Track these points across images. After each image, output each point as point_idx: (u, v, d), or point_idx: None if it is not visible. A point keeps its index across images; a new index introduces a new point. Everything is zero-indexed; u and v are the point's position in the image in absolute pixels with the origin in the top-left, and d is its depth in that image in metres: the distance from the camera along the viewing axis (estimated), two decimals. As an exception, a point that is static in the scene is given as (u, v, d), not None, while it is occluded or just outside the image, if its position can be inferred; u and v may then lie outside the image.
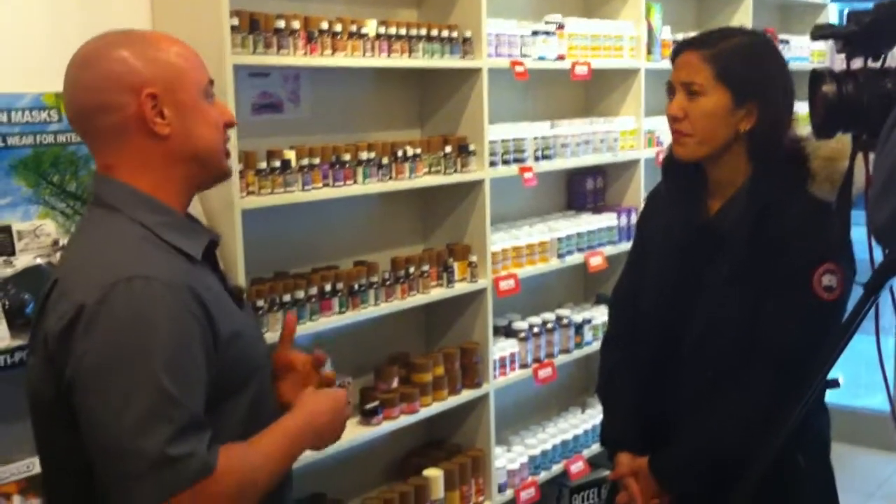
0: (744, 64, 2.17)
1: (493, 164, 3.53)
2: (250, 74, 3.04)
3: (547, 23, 3.77)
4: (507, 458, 3.70)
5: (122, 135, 1.64)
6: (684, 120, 2.19)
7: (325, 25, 2.94)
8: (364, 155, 3.08)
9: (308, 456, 2.89)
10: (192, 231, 1.70)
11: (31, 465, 2.25)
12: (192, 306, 1.57)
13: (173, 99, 1.65)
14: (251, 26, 2.75)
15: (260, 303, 2.81)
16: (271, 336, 2.81)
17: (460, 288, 3.46)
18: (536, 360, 3.79)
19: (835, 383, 2.04)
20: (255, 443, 1.64)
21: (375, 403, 3.19)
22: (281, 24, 2.82)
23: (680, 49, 2.25)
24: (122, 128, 1.64)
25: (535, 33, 3.67)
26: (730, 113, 2.16)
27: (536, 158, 3.73)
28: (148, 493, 1.48)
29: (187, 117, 1.67)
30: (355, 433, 3.15)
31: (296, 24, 2.86)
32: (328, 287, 3.00)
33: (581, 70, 3.83)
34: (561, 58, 3.79)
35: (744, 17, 4.74)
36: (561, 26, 3.79)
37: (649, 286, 2.36)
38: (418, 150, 3.27)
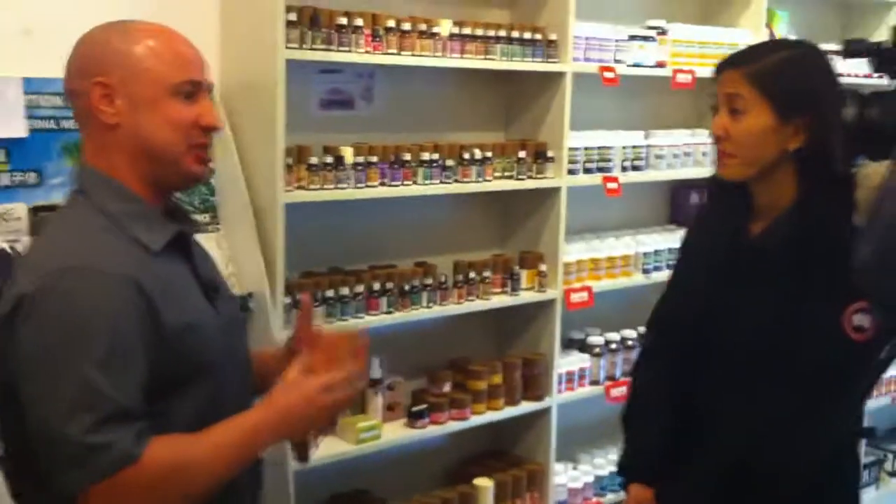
0: (789, 79, 2.05)
1: (573, 171, 3.46)
2: (321, 70, 3.09)
3: (648, 27, 3.65)
4: (569, 476, 3.64)
5: (87, 120, 1.71)
6: (727, 139, 2.09)
7: (391, 23, 2.94)
8: (427, 156, 3.08)
9: (348, 451, 2.98)
10: (156, 221, 1.72)
11: None
12: (132, 297, 1.59)
13: (127, 91, 1.67)
14: (311, 22, 2.79)
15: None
16: (313, 331, 2.87)
17: (526, 297, 3.42)
18: (610, 377, 3.69)
19: (870, 432, 1.92)
20: (203, 434, 1.65)
21: (422, 406, 3.19)
22: (343, 20, 2.84)
23: (722, 66, 2.14)
24: (86, 113, 1.70)
25: (632, 38, 3.56)
26: (775, 131, 2.04)
27: (625, 169, 3.62)
28: (70, 479, 1.54)
29: (140, 111, 1.68)
30: (399, 434, 3.17)
31: (359, 21, 2.88)
32: (377, 286, 3.02)
33: (684, 78, 3.69)
34: (661, 65, 3.66)
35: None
36: (663, 32, 3.66)
37: (688, 308, 2.27)
38: (489, 154, 3.24)
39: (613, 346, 3.70)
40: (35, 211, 2.50)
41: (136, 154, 1.70)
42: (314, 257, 3.11)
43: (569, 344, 3.73)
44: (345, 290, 2.96)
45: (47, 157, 2.56)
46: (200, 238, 2.69)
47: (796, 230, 2.05)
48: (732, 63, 2.11)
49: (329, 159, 2.88)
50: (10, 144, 2.50)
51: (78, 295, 1.56)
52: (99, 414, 1.53)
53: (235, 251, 2.81)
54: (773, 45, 2.13)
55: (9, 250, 2.38)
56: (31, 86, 2.50)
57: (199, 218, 2.80)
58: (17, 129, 2.51)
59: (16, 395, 1.61)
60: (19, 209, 2.50)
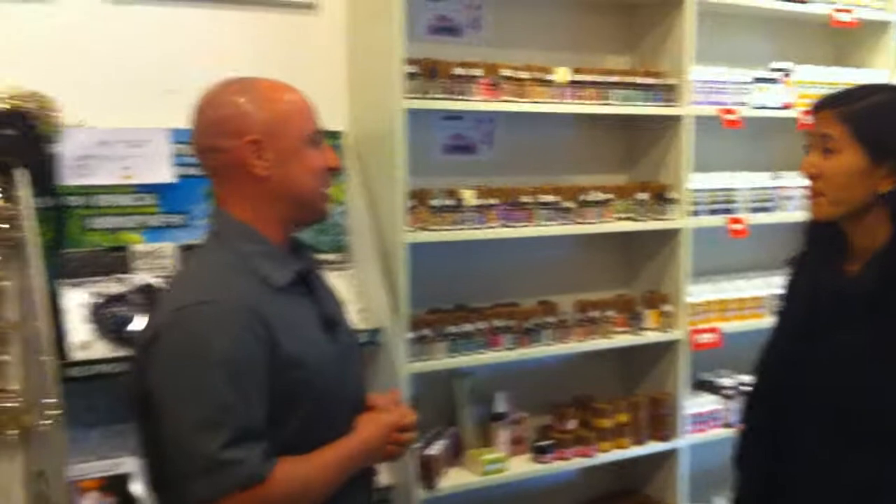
0: (882, 122, 2.08)
1: (695, 213, 3.52)
2: (443, 118, 3.30)
3: (773, 69, 3.70)
4: (700, 518, 3.63)
5: (229, 173, 1.92)
6: (818, 179, 2.13)
7: (508, 72, 3.13)
8: (545, 198, 3.22)
9: (474, 482, 3.10)
10: (282, 261, 1.93)
11: (115, 466, 2.59)
12: (255, 328, 1.78)
13: (275, 145, 1.89)
14: (430, 73, 3.00)
15: (426, 332, 3.02)
16: (435, 363, 3.04)
17: (650, 337, 3.48)
18: (743, 420, 3.67)
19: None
20: (313, 457, 1.85)
21: (548, 442, 3.29)
22: (461, 70, 3.04)
23: (818, 106, 2.20)
24: (229, 167, 1.91)
25: (755, 80, 3.62)
26: (866, 173, 2.07)
27: (751, 210, 3.66)
28: (200, 491, 1.71)
29: (286, 162, 1.90)
30: (524, 468, 3.28)
31: (477, 72, 3.07)
32: (499, 323, 3.16)
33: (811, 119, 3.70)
34: (787, 106, 3.69)
35: None
36: (787, 73, 3.70)
37: (783, 351, 2.31)
38: (609, 196, 3.35)
39: (745, 388, 3.68)
40: (182, 249, 2.78)
41: (281, 200, 1.91)
42: (440, 295, 3.28)
43: (699, 385, 3.76)
44: (468, 327, 3.10)
45: (193, 201, 2.84)
46: (332, 276, 2.95)
47: (887, 272, 2.06)
48: (827, 103, 2.15)
49: (450, 201, 3.06)
50: (160, 189, 2.79)
51: (201, 325, 1.76)
52: (230, 432, 1.71)
53: (364, 288, 3.01)
54: (871, 89, 2.17)
55: (158, 285, 2.66)
56: (177, 136, 2.79)
57: (332, 257, 3.03)
58: (166, 175, 2.80)
59: (151, 412, 1.81)
60: (167, 248, 2.79)
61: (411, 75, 2.96)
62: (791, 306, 2.31)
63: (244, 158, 1.88)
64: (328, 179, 1.98)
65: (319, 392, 1.88)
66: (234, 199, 1.92)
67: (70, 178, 2.67)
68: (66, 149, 2.66)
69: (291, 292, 1.92)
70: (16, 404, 2.57)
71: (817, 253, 2.24)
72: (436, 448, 3.06)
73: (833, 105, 2.12)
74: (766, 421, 2.29)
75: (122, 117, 2.76)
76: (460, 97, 3.06)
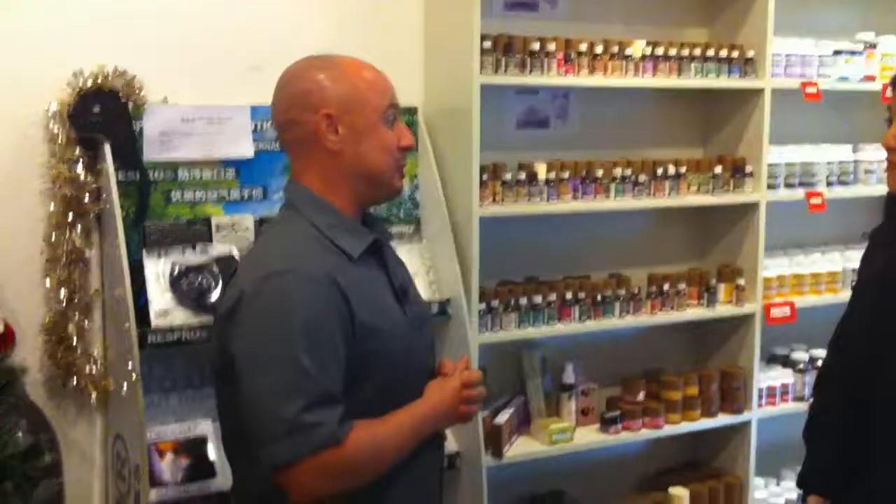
0: None
1: (773, 186, 3.50)
2: (517, 92, 3.33)
3: (856, 41, 3.63)
4: (770, 492, 3.64)
5: (305, 146, 1.98)
6: None
7: (583, 47, 3.13)
8: (619, 172, 3.23)
9: (541, 451, 3.16)
10: (356, 232, 1.99)
11: (190, 428, 2.72)
12: (334, 296, 1.85)
13: (349, 120, 1.94)
14: (505, 49, 3.03)
15: (495, 303, 3.08)
16: (505, 335, 3.10)
17: (722, 310, 3.49)
18: (816, 394, 3.66)
19: None
20: (386, 421, 1.92)
21: (615, 413, 3.33)
22: (536, 45, 3.06)
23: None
24: (305, 141, 1.97)
25: (837, 53, 3.56)
26: None
27: (830, 184, 3.62)
28: (282, 452, 1.79)
29: (359, 138, 1.95)
30: (591, 438, 3.33)
31: (552, 47, 3.09)
32: (569, 295, 3.20)
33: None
34: (870, 78, 3.63)
35: None
36: (872, 45, 3.63)
37: (857, 326, 2.31)
38: (683, 169, 3.35)
39: (819, 362, 3.67)
40: (260, 222, 2.87)
41: (354, 175, 1.97)
42: (512, 268, 3.34)
43: (772, 359, 3.75)
44: (537, 299, 3.15)
45: (271, 175, 2.93)
46: (404, 248, 3.03)
47: None
48: None
49: (522, 175, 3.10)
50: (240, 164, 2.89)
51: (285, 294, 1.83)
52: (309, 396, 1.79)
53: (436, 260, 3.08)
54: None
55: (237, 256, 2.76)
56: (257, 113, 2.88)
57: (404, 229, 3.10)
58: (246, 150, 2.89)
59: (228, 379, 1.90)
60: (247, 220, 2.89)
61: (486, 51, 2.98)
62: (868, 282, 2.31)
63: (319, 132, 1.93)
64: (402, 157, 2.02)
65: (394, 360, 1.95)
66: (310, 172, 1.98)
67: (154, 153, 2.78)
68: (150, 125, 2.76)
69: (366, 263, 1.98)
70: (97, 369, 2.70)
71: (894, 228, 2.23)
72: (503, 417, 3.13)
73: None
74: (838, 397, 2.31)
75: (203, 94, 2.85)
76: (535, 72, 3.08)
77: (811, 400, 2.50)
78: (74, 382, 2.70)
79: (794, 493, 3.69)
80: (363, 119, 1.95)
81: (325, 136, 1.94)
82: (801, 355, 3.67)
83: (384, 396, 1.95)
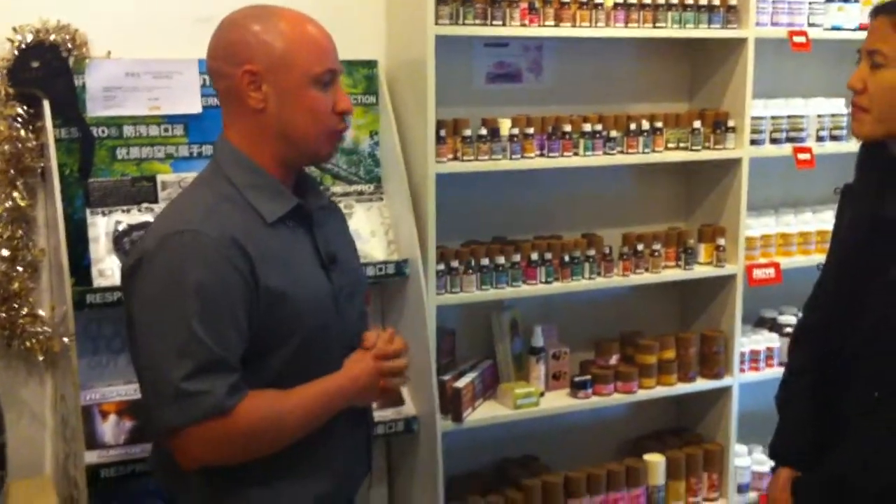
0: None
1: (757, 142, 3.42)
2: (486, 44, 3.27)
3: (850, -13, 3.53)
4: (753, 459, 3.59)
5: (229, 100, 1.97)
6: (863, 93, 2.07)
7: (548, -5, 3.07)
8: (588, 127, 3.17)
9: (507, 415, 3.15)
10: (277, 194, 1.97)
11: (136, 391, 2.63)
12: (236, 259, 1.84)
13: (274, 79, 1.91)
14: (462, -3, 2.98)
15: (455, 263, 3.06)
16: (465, 296, 3.08)
17: (701, 271, 3.43)
18: (803, 359, 3.60)
19: None
20: (291, 392, 1.91)
21: (585, 377, 3.30)
22: (496, -6, 3.01)
23: (874, 12, 2.11)
24: (230, 94, 1.96)
25: (828, 0, 3.45)
26: None
27: (821, 139, 3.52)
28: (166, 417, 1.81)
29: (283, 99, 1.92)
30: (560, 403, 3.30)
31: (514, -6, 3.03)
32: (535, 255, 3.16)
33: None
34: (865, 28, 3.50)
35: None
36: (867, -9, 3.51)
37: (830, 286, 2.26)
38: (659, 124, 3.28)
39: (804, 326, 3.60)
40: (209, 179, 2.86)
41: (276, 136, 1.94)
42: (482, 228, 3.31)
43: (760, 322, 3.69)
44: (500, 259, 3.12)
45: (220, 131, 2.91)
46: (364, 207, 3.01)
47: None
48: (885, 9, 2.07)
49: (484, 131, 3.05)
50: (189, 120, 2.88)
51: (182, 254, 1.83)
52: (198, 362, 1.79)
53: (394, 220, 3.05)
54: None
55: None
56: (204, 67, 2.85)
57: (364, 188, 3.08)
58: (195, 105, 2.88)
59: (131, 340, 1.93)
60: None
61: (441, 0, 2.93)
62: (841, 239, 2.26)
63: (240, 87, 1.92)
64: (335, 122, 1.98)
65: (310, 329, 1.94)
66: (235, 127, 1.98)
67: (97, 109, 2.78)
68: (93, 80, 2.76)
69: (286, 227, 1.96)
70: (44, 329, 2.73)
71: (868, 181, 2.18)
72: (465, 380, 3.11)
73: (891, 11, 2.03)
74: (812, 358, 2.26)
75: (149, 48, 2.84)
76: (497, 23, 3.02)
77: (786, 363, 2.46)
78: (20, 342, 2.73)
79: (776, 462, 3.65)
80: (290, 80, 1.92)
81: (246, 93, 1.92)
82: (788, 318, 3.60)
83: (302, 365, 1.95)
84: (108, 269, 2.70)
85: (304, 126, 1.94)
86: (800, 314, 3.54)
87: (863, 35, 3.43)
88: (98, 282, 2.67)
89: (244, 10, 1.99)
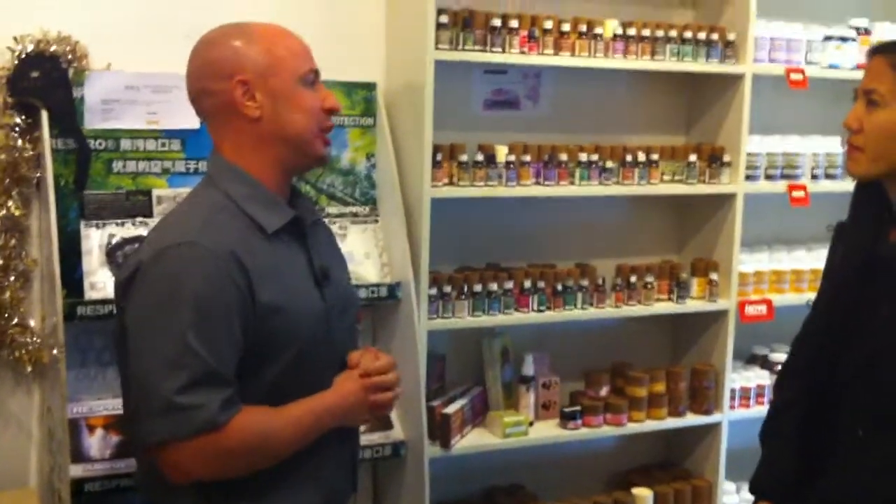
0: None
1: (752, 178, 3.44)
2: (485, 71, 3.30)
3: (850, 27, 3.56)
4: (741, 497, 3.58)
5: (221, 116, 1.98)
6: (859, 133, 2.08)
7: (549, 24, 3.09)
8: (584, 156, 3.19)
9: (495, 444, 3.14)
10: (275, 207, 1.98)
11: (120, 406, 2.68)
12: (233, 272, 1.84)
13: (266, 85, 1.94)
14: (464, 24, 3.00)
15: (448, 289, 3.06)
16: (457, 322, 3.09)
17: (693, 305, 3.44)
18: (793, 397, 3.60)
19: None
20: (282, 410, 1.91)
21: (575, 408, 3.30)
22: (498, 22, 3.03)
23: (872, 52, 2.14)
24: (221, 110, 1.97)
25: (827, 38, 3.49)
26: None
27: (815, 177, 3.55)
28: (157, 430, 1.79)
29: (278, 102, 1.95)
30: (549, 433, 3.30)
31: (515, 23, 3.05)
32: (528, 283, 3.17)
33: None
34: (862, 67, 3.53)
35: None
36: (866, 31, 3.55)
37: (820, 326, 2.27)
38: (655, 156, 3.30)
39: (797, 363, 3.61)
40: (204, 196, 2.87)
41: (275, 142, 1.96)
42: (476, 254, 3.32)
43: (752, 359, 3.70)
44: (493, 286, 3.12)
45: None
46: (359, 228, 3.02)
47: None
48: (882, 50, 2.09)
49: (480, 157, 3.07)
50: (186, 135, 2.89)
51: (179, 267, 1.83)
52: (192, 375, 1.78)
53: (388, 242, 3.06)
54: None
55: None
56: (203, 83, 2.87)
57: (359, 209, 3.09)
58: (192, 121, 2.87)
59: (124, 352, 1.91)
60: (191, 194, 2.88)
61: (444, 25, 2.96)
62: (833, 277, 2.27)
63: (234, 99, 1.93)
64: (326, 120, 2.01)
65: (302, 343, 1.93)
66: (228, 142, 1.98)
67: (95, 121, 2.79)
68: (92, 92, 2.77)
69: (282, 240, 1.96)
70: (34, 340, 2.72)
71: (862, 220, 2.19)
72: (454, 406, 3.11)
73: (886, 52, 2.05)
74: (798, 394, 2.27)
75: (148, 62, 2.85)
76: (496, 50, 3.05)
77: (772, 396, 2.46)
78: (9, 352, 2.72)
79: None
80: (281, 82, 1.95)
81: (242, 104, 1.94)
82: (779, 356, 3.61)
83: (293, 381, 1.94)
84: (100, 281, 2.69)
85: (301, 125, 1.96)
86: (791, 351, 3.57)
87: (860, 74, 3.47)
88: (90, 294, 2.67)
89: (215, 30, 2.01)
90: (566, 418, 3.29)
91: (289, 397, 1.92)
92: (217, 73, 1.95)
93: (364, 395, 2.02)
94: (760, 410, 3.54)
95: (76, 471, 2.57)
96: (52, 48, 2.73)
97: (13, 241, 2.75)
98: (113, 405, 2.72)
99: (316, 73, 2.01)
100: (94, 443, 2.68)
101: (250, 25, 2.01)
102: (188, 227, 1.90)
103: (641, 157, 3.29)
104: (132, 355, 1.85)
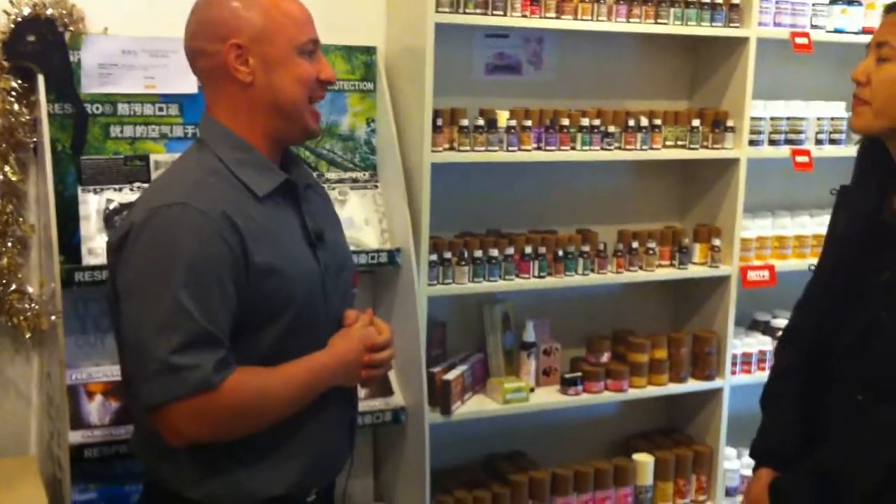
0: None
1: (755, 143, 3.43)
2: (486, 35, 3.28)
3: (854, -10, 3.54)
4: (742, 463, 3.60)
5: (215, 78, 1.98)
6: (866, 86, 2.07)
7: (551, -14, 3.08)
8: (586, 121, 3.18)
9: (496, 410, 3.15)
10: (266, 170, 1.98)
11: (119, 372, 2.71)
12: (225, 233, 1.85)
13: (260, 51, 1.93)
14: (462, -15, 2.99)
15: (448, 255, 3.06)
16: (457, 288, 3.09)
17: (695, 271, 3.44)
18: (795, 363, 3.61)
19: None
20: (278, 370, 1.92)
21: (576, 374, 3.31)
22: (498, -16, 3.02)
23: (889, 9, 2.12)
24: (215, 72, 1.97)
25: (832, 2, 3.47)
26: None
27: (819, 142, 3.54)
28: (153, 392, 1.80)
29: (271, 69, 1.94)
30: (550, 399, 3.31)
31: (516, -15, 3.04)
32: (529, 249, 3.17)
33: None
34: (868, 31, 3.53)
35: None
36: (873, -6, 3.53)
37: (819, 291, 2.27)
38: (657, 121, 3.29)
39: (798, 329, 3.62)
40: (202, 161, 2.87)
41: (265, 109, 1.95)
42: (477, 220, 3.32)
43: (754, 325, 3.71)
44: (494, 252, 3.12)
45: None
46: (358, 194, 3.02)
47: None
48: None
49: (481, 122, 3.06)
50: (183, 100, 2.88)
51: (172, 227, 1.83)
52: (185, 336, 1.78)
53: (388, 208, 3.06)
54: None
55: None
56: (200, 47, 2.86)
57: (359, 175, 3.09)
58: (190, 85, 2.88)
59: (117, 314, 1.91)
60: (190, 158, 2.88)
61: (443, -12, 2.94)
62: (835, 241, 2.27)
63: (227, 63, 1.92)
64: (317, 90, 2.00)
65: (297, 305, 1.94)
66: (221, 105, 1.98)
67: (92, 85, 2.78)
68: (89, 56, 2.76)
69: (276, 202, 1.97)
70: (32, 306, 2.72)
71: (865, 184, 2.19)
72: (455, 373, 3.12)
73: None
74: (799, 359, 2.27)
75: (147, 26, 2.84)
76: (498, 13, 3.03)
77: (773, 364, 2.46)
78: (7, 319, 2.73)
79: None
80: (276, 49, 1.94)
81: (235, 68, 1.93)
82: (781, 322, 3.61)
83: (290, 342, 1.95)
84: (97, 247, 2.69)
85: (293, 94, 1.95)
86: (793, 317, 3.58)
87: (866, 39, 3.47)
88: (87, 260, 2.68)
89: None
90: (567, 384, 3.31)
91: (285, 359, 1.93)
92: (212, 34, 1.94)
93: (359, 357, 2.03)
94: (762, 376, 3.53)
95: (75, 437, 2.59)
96: (49, 12, 2.71)
97: (10, 207, 2.74)
98: (112, 371, 2.73)
99: (315, 42, 1.99)
100: (94, 409, 2.70)
101: None
102: (179, 188, 1.90)
103: (644, 121, 3.28)
104: (125, 317, 1.86)
